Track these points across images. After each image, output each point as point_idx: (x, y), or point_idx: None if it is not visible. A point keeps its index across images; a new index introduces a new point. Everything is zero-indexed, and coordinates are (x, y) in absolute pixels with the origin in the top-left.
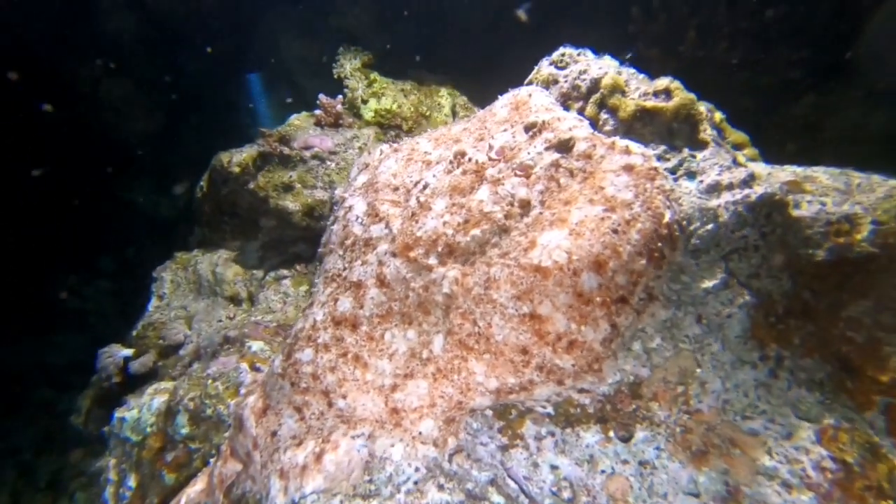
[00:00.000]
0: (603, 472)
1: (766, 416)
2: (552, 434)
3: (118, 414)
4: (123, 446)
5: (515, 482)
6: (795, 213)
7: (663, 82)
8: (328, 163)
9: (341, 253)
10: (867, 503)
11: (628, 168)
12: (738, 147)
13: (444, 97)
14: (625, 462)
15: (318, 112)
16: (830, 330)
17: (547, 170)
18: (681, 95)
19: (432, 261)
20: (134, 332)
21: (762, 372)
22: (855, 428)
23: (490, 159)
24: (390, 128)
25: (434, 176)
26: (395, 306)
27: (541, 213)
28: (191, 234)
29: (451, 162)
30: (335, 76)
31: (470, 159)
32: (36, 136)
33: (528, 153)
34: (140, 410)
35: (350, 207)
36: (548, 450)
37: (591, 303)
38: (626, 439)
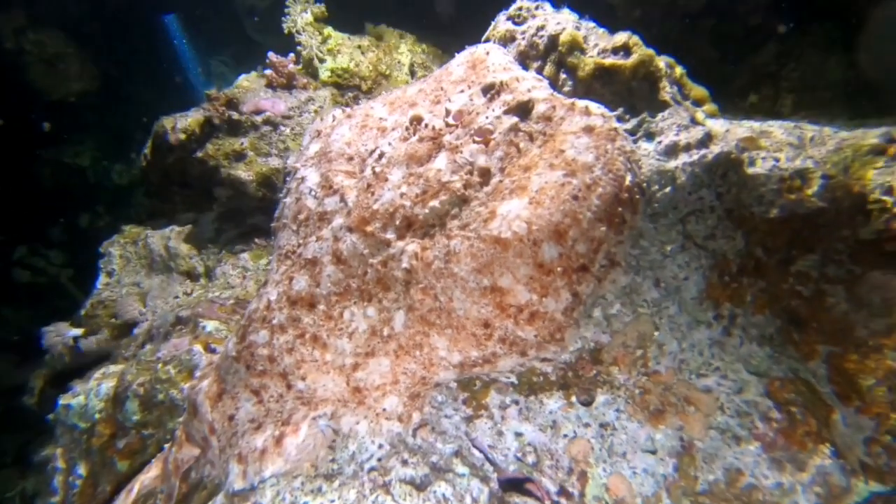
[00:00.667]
0: (565, 436)
1: (720, 373)
2: (516, 402)
3: (63, 401)
4: (71, 434)
5: (480, 451)
6: (750, 170)
7: (622, 38)
8: (282, 128)
9: (294, 228)
10: (807, 448)
11: (588, 129)
12: (698, 103)
13: (404, 54)
14: (586, 425)
15: (268, 72)
16: (780, 285)
17: (506, 134)
18: (640, 52)
19: (390, 235)
20: (83, 311)
21: (716, 331)
22: (798, 378)
23: (447, 125)
24: (348, 88)
25: (390, 144)
26: (353, 283)
27: (501, 181)
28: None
29: (406, 129)
30: (285, 31)
31: (426, 125)
32: None
33: (487, 117)
34: (87, 397)
35: (302, 179)
36: (512, 418)
37: (552, 273)
38: (587, 403)
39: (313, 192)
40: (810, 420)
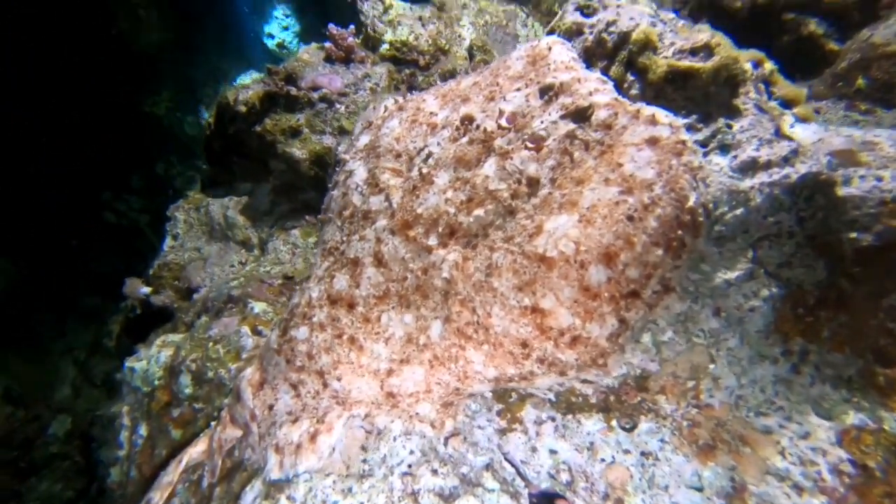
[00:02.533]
0: (603, 460)
1: (783, 414)
2: (552, 419)
3: (128, 364)
4: (135, 395)
5: (512, 465)
6: (843, 191)
7: (703, 37)
8: (337, 105)
9: (339, 224)
10: None
11: (652, 141)
12: (788, 104)
13: (466, 27)
14: (626, 452)
15: (328, 45)
16: (868, 320)
17: (561, 142)
18: (723, 54)
19: (432, 241)
20: (151, 271)
21: (783, 367)
22: (882, 429)
23: (500, 127)
24: (405, 63)
25: (439, 144)
26: (392, 287)
27: (550, 193)
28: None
29: (457, 128)
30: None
31: (478, 126)
32: (57, 53)
33: (542, 121)
34: (148, 362)
35: (350, 173)
36: (547, 434)
37: (599, 298)
38: (629, 429)
39: (360, 189)
40: (893, 479)
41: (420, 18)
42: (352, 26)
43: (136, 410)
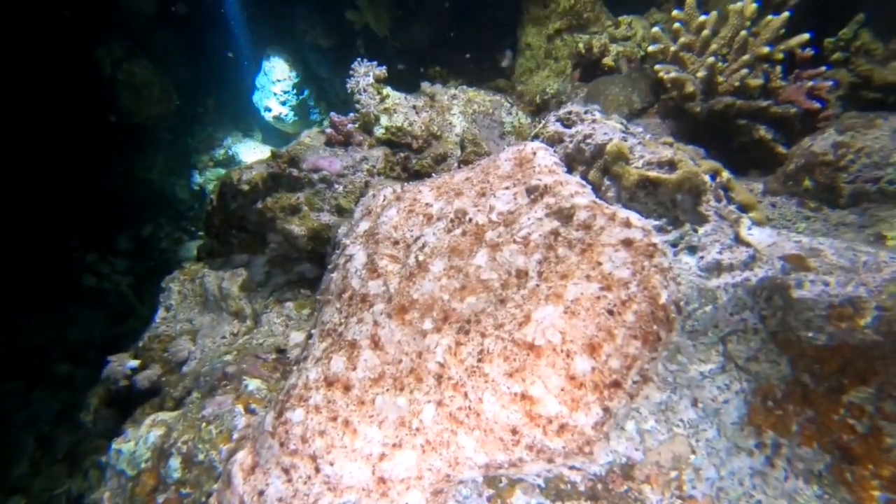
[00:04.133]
0: None
1: None
2: None
3: (115, 445)
4: (119, 479)
5: None
6: (797, 294)
7: (667, 153)
8: (336, 186)
9: (338, 306)
10: None
11: (627, 243)
12: (744, 209)
13: (456, 115)
14: None
15: (328, 130)
16: (830, 415)
17: (546, 238)
18: (684, 169)
19: (427, 326)
20: (140, 343)
21: (758, 460)
22: None
23: (490, 221)
24: (400, 147)
25: (434, 234)
26: (387, 370)
27: (537, 286)
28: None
29: (451, 220)
30: (348, 90)
31: (470, 220)
32: (58, 120)
33: (529, 218)
34: (136, 443)
35: (350, 257)
36: None
37: (584, 387)
38: None
39: (359, 273)
40: None
41: (414, 107)
42: (351, 114)
43: (119, 496)
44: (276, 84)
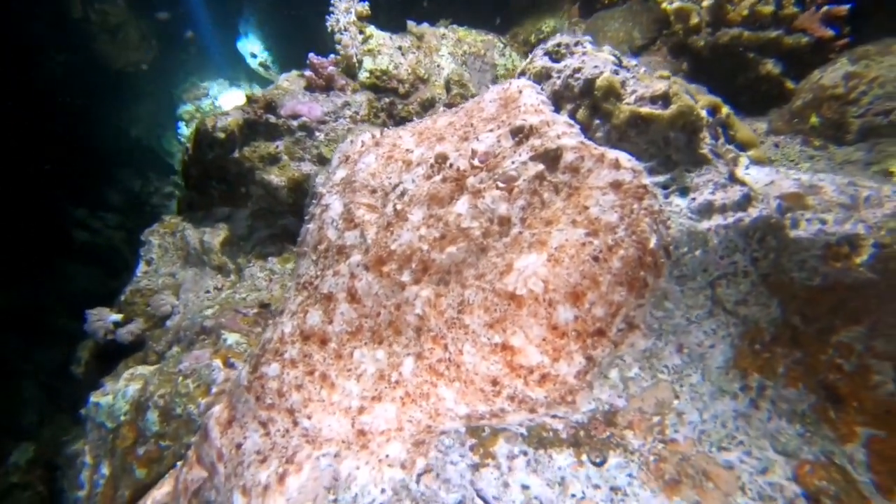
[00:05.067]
0: (573, 495)
1: (743, 448)
2: (524, 453)
3: (93, 398)
4: (99, 431)
5: (484, 502)
6: (792, 233)
7: (661, 86)
8: (316, 133)
9: (314, 258)
10: None
11: (616, 185)
12: (743, 147)
13: (444, 57)
14: (596, 487)
15: (308, 73)
16: (818, 356)
17: (530, 183)
18: (679, 103)
19: (405, 278)
20: (122, 297)
21: (742, 403)
22: (833, 463)
23: (472, 166)
24: (385, 92)
25: (413, 181)
26: (365, 323)
27: (520, 233)
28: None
29: (431, 166)
30: (328, 29)
31: (451, 165)
32: (34, 67)
33: (513, 162)
34: (115, 397)
35: (326, 207)
36: (519, 469)
37: (566, 336)
38: (599, 464)
39: (335, 223)
40: None
41: (400, 48)
42: (332, 55)
43: (100, 448)
44: (260, 29)
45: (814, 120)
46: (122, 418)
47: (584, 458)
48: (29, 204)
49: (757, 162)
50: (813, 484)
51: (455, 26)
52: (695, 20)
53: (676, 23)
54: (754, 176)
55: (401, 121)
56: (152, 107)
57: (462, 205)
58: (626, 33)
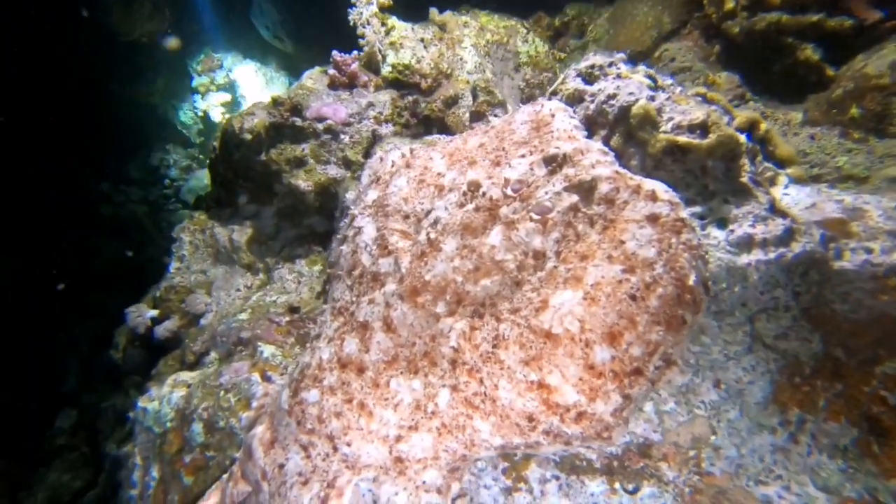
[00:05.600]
0: None
1: (782, 483)
2: (556, 478)
3: (141, 403)
4: (147, 434)
5: None
6: (836, 265)
7: (700, 115)
8: (342, 136)
9: (349, 283)
10: None
11: (653, 219)
12: (783, 164)
13: (468, 49)
14: None
15: (331, 71)
16: (861, 388)
17: (565, 214)
18: (718, 133)
19: (440, 309)
20: (157, 293)
21: (781, 437)
22: (877, 500)
23: (505, 196)
24: (407, 87)
25: (446, 209)
26: (401, 353)
27: (555, 267)
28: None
29: (464, 194)
30: (350, 22)
31: (484, 194)
32: (50, 41)
33: (546, 192)
34: (160, 403)
35: (360, 230)
36: (551, 493)
37: (603, 376)
38: (632, 492)
39: (369, 249)
40: None
41: (422, 40)
42: (355, 52)
43: (149, 451)
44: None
45: (854, 111)
46: (168, 424)
47: (617, 485)
48: (56, 180)
49: (796, 180)
50: None
51: (477, 10)
52: (730, 4)
53: (710, 6)
54: (794, 197)
55: (424, 119)
56: (167, 78)
57: (496, 236)
58: (655, 17)
